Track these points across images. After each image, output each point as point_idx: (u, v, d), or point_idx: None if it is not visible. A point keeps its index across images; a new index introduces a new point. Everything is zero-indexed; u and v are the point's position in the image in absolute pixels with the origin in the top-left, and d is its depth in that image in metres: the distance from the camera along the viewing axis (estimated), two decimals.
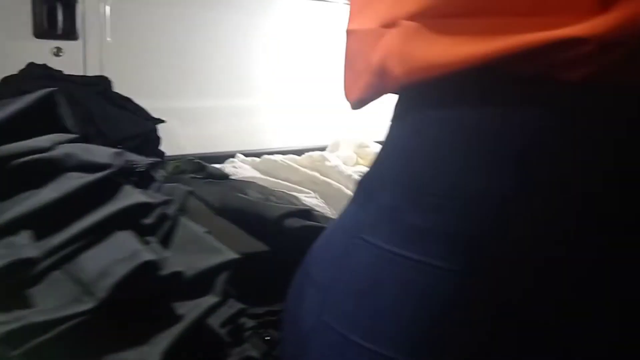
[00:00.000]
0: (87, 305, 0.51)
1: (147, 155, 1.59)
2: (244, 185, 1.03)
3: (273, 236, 0.82)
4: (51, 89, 0.64)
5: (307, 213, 0.85)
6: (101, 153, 0.62)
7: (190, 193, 0.62)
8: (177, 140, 1.85)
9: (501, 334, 0.37)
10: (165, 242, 0.62)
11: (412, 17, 0.39)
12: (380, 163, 0.46)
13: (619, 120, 0.35)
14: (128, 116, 1.68)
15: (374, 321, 0.41)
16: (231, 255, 0.62)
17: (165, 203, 0.62)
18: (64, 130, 0.69)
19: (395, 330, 0.39)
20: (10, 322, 0.48)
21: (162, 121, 1.74)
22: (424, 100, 0.42)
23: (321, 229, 0.54)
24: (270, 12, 2.01)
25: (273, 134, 2.10)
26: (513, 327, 0.37)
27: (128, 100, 1.77)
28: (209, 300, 0.60)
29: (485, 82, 0.38)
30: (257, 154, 1.81)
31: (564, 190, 0.36)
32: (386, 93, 0.45)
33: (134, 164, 0.64)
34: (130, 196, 0.59)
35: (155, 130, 1.64)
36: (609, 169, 0.35)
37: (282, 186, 1.40)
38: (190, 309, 0.59)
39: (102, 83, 1.74)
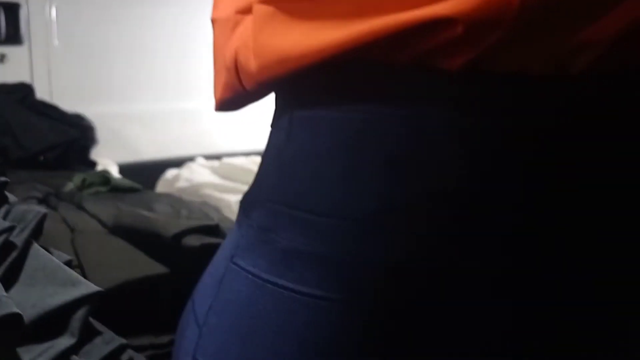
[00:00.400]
0: None
1: (72, 164, 1.50)
2: (154, 198, 0.93)
3: (170, 256, 0.73)
4: None
5: (212, 229, 0.76)
6: None
7: (44, 216, 0.52)
8: (134, 145, 1.80)
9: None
10: (10, 276, 0.52)
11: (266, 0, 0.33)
12: (258, 175, 0.40)
13: (506, 111, 0.30)
14: (50, 125, 1.58)
15: None
16: (91, 288, 0.53)
17: (9, 230, 0.53)
18: None
19: None
20: None
21: (92, 129, 1.64)
22: (292, 100, 0.36)
23: None
24: None
25: (235, 135, 2.02)
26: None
27: (52, 107, 1.67)
28: (62, 342, 0.51)
29: (353, 74, 0.32)
30: (219, 156, 1.75)
31: (446, 198, 0.31)
32: (245, 91, 0.37)
33: None
34: None
35: (80, 139, 1.55)
36: (499, 170, 0.31)
37: (241, 191, 1.32)
38: (37, 355, 0.50)
39: (22, 90, 1.64)
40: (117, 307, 0.72)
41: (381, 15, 0.29)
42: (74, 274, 0.55)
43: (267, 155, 0.39)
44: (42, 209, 0.60)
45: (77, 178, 1.00)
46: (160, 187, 1.60)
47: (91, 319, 0.60)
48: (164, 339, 0.76)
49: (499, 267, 0.32)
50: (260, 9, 0.33)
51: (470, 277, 0.32)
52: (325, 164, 0.33)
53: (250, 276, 0.36)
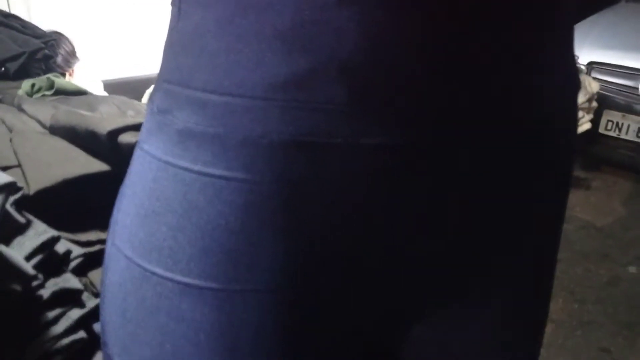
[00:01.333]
0: None
1: (35, 74, 1.47)
2: (100, 100, 0.92)
3: (108, 154, 0.73)
4: None
5: None
6: None
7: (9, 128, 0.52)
8: (118, 62, 1.75)
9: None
10: None
11: None
12: (162, 57, 0.38)
13: None
14: (10, 35, 1.53)
15: (161, 245, 0.35)
16: (4, 179, 0.53)
17: None
18: None
19: (182, 254, 0.34)
20: None
21: (57, 40, 1.60)
22: None
23: None
24: None
25: None
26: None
27: (15, 17, 1.61)
28: None
29: None
30: None
31: (342, 70, 0.30)
32: None
33: None
34: None
35: (45, 48, 1.50)
36: None
37: None
38: None
39: None
40: (59, 204, 0.73)
41: None
42: None
43: (167, 40, 0.37)
44: None
45: (26, 83, 0.98)
46: (145, 100, 1.58)
47: (18, 212, 0.62)
48: (98, 235, 0.77)
49: (398, 141, 0.32)
50: None
51: (370, 152, 0.32)
52: (213, 39, 0.32)
53: (153, 160, 0.36)
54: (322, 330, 0.36)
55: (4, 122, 0.77)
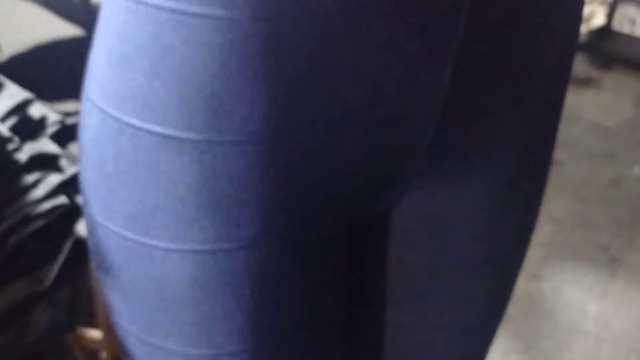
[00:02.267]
0: None
1: None
2: None
3: (81, 18, 0.68)
4: None
5: None
6: None
7: None
8: None
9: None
10: None
11: None
12: None
13: None
14: None
15: (135, 93, 0.32)
16: None
17: None
18: None
19: (159, 102, 0.32)
20: None
21: None
22: None
23: None
24: None
25: None
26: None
27: None
28: None
29: None
30: None
31: None
32: None
33: None
34: None
35: None
36: None
37: None
38: None
39: None
40: (34, 70, 0.69)
41: None
42: None
43: None
44: None
45: None
46: None
47: None
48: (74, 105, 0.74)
49: None
50: None
51: None
52: None
53: (122, 0, 0.32)
54: (307, 185, 0.34)
55: None
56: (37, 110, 0.61)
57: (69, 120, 0.68)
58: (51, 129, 0.63)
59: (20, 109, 0.59)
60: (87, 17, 0.68)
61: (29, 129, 0.60)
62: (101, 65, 0.34)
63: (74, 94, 0.71)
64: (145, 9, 0.31)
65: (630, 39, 2.12)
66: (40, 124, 0.61)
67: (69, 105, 0.72)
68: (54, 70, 0.68)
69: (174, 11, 0.30)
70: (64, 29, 0.69)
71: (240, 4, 0.29)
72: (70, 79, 0.69)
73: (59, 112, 0.67)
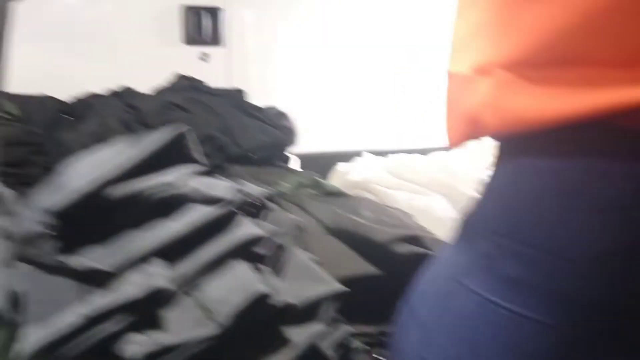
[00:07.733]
0: (211, 329, 0.57)
1: (273, 160, 1.67)
2: (356, 203, 1.06)
3: (381, 260, 0.84)
4: (182, 129, 0.72)
5: (415, 239, 0.86)
6: (222, 188, 0.68)
7: (299, 227, 0.66)
8: (309, 137, 1.88)
9: None
10: (277, 270, 0.67)
11: (507, 65, 0.39)
12: (480, 207, 0.47)
13: None
14: (259, 126, 1.78)
15: None
16: (336, 286, 0.66)
17: (276, 234, 0.67)
18: (192, 160, 0.77)
19: None
20: (146, 343, 0.55)
21: (292, 131, 1.79)
22: (522, 149, 0.42)
23: (428, 256, 0.55)
24: None
25: (397, 133, 2.10)
26: None
27: (259, 109, 1.87)
28: (315, 327, 0.64)
29: (585, 135, 0.37)
30: (382, 153, 1.80)
31: None
32: (479, 138, 0.45)
33: (251, 199, 0.70)
34: (246, 228, 0.65)
35: (284, 141, 1.70)
36: None
37: (409, 188, 1.41)
38: (297, 334, 0.64)
39: (236, 94, 1.86)
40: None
41: (610, 87, 0.34)
42: (323, 272, 0.68)
43: (490, 190, 0.45)
44: (295, 217, 0.75)
45: (292, 180, 1.16)
46: (334, 179, 1.71)
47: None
48: (371, 329, 0.86)
49: None
50: (501, 75, 0.39)
51: None
52: (547, 208, 0.39)
53: (475, 296, 0.43)
54: None
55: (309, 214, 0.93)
56: (354, 343, 0.75)
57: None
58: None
59: (345, 342, 0.73)
60: (384, 261, 0.84)
61: (347, 357, 0.73)
62: (447, 337, 0.43)
63: (359, 319, 0.85)
64: (496, 309, 0.40)
65: None
66: (353, 349, 0.75)
67: (354, 328, 0.85)
68: (352, 299, 0.83)
69: (520, 315, 0.39)
70: (364, 267, 0.85)
71: (571, 318, 0.37)
72: (359, 308, 0.83)
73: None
